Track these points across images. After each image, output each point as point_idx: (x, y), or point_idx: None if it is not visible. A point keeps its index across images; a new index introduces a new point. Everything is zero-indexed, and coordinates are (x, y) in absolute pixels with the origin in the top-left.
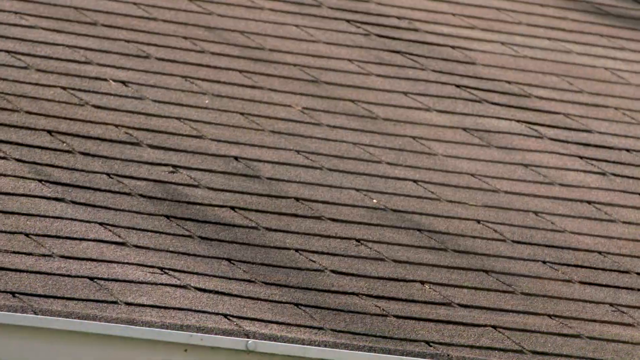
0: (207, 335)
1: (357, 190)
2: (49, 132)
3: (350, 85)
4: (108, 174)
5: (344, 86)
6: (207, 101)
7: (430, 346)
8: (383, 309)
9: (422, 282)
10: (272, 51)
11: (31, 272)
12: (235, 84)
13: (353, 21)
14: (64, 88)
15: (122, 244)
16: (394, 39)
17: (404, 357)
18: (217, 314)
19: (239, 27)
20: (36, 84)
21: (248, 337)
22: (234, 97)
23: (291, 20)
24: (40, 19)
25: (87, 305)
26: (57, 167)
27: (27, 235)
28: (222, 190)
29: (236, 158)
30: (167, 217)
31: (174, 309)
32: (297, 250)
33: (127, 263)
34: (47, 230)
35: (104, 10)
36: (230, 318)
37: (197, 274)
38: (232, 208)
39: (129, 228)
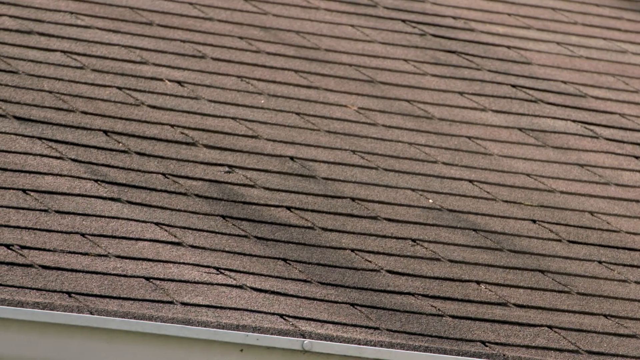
0: (263, 335)
1: (413, 190)
2: (105, 132)
3: (406, 85)
4: (164, 174)
5: (399, 86)
6: (262, 101)
7: (486, 346)
8: (439, 309)
9: (478, 282)
10: (327, 51)
11: (87, 272)
12: (290, 83)
13: (409, 21)
14: (119, 88)
15: (178, 244)
16: (449, 38)
17: (460, 357)
18: (273, 314)
19: (294, 27)
20: (92, 84)
21: (304, 337)
22: (289, 97)
23: (347, 20)
24: (95, 19)
25: (143, 305)
26: (113, 167)
27: (83, 235)
28: (278, 190)
29: (292, 158)
30: (223, 217)
31: (230, 309)
32: (353, 250)
33: (183, 263)
34: (103, 230)
35: (159, 10)
36: (286, 318)
37: (253, 274)
38: (288, 208)
39: (184, 228)
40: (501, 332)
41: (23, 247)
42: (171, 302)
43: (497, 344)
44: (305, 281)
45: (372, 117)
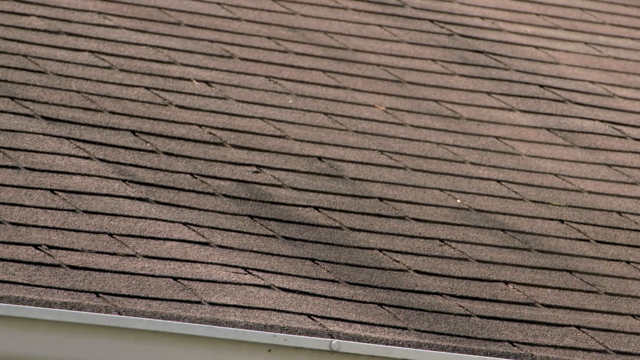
0: (291, 335)
1: (441, 190)
2: (133, 132)
3: (434, 85)
4: (192, 174)
5: (427, 86)
6: (290, 101)
7: (514, 346)
8: (467, 309)
9: (506, 282)
10: (355, 51)
11: (115, 272)
12: (318, 83)
13: (437, 21)
14: (147, 88)
15: (206, 243)
16: (477, 38)
17: (488, 357)
18: (301, 314)
19: (322, 27)
20: (120, 84)
21: (332, 337)
22: (317, 97)
23: (374, 20)
24: (123, 19)
25: (171, 305)
26: (140, 167)
27: (111, 235)
28: (306, 190)
29: (320, 158)
30: (251, 217)
31: (258, 309)
32: (380, 250)
33: (211, 263)
34: (131, 230)
35: (187, 10)
36: (314, 318)
37: (280, 273)
38: (316, 208)
39: (212, 228)
40: (529, 332)
41: (51, 247)
42: (199, 302)
43: (524, 344)
44: (333, 281)
45: (400, 117)
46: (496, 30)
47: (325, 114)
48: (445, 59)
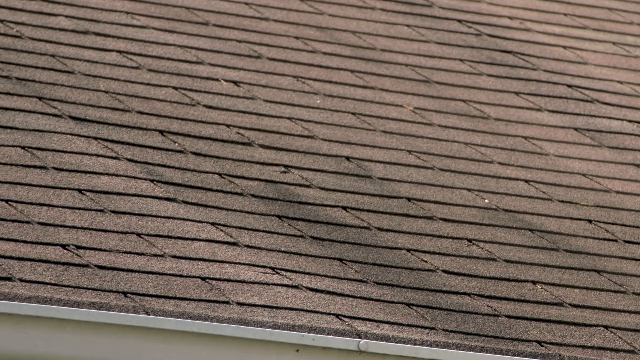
0: (318, 335)
1: (469, 190)
2: (161, 132)
3: (462, 85)
4: (220, 174)
5: (455, 86)
6: (318, 101)
7: (542, 346)
8: (495, 309)
9: (534, 282)
10: (383, 51)
11: (143, 272)
12: (346, 84)
13: (464, 21)
14: (175, 88)
15: (234, 244)
16: (505, 38)
17: (516, 357)
18: (329, 314)
19: (350, 27)
20: (148, 84)
21: (360, 337)
22: (345, 97)
23: (402, 20)
24: (151, 19)
25: (199, 305)
26: (168, 167)
27: (139, 235)
28: (334, 190)
29: (348, 158)
30: (279, 217)
31: (286, 309)
32: (408, 250)
33: (239, 263)
34: (158, 231)
35: (215, 10)
36: (342, 318)
37: (308, 274)
38: (344, 208)
39: (240, 228)
40: (557, 332)
41: (79, 247)
42: (227, 302)
43: (553, 344)
44: (361, 281)
45: (428, 117)
46: (524, 30)
47: (353, 114)
48: (473, 59)
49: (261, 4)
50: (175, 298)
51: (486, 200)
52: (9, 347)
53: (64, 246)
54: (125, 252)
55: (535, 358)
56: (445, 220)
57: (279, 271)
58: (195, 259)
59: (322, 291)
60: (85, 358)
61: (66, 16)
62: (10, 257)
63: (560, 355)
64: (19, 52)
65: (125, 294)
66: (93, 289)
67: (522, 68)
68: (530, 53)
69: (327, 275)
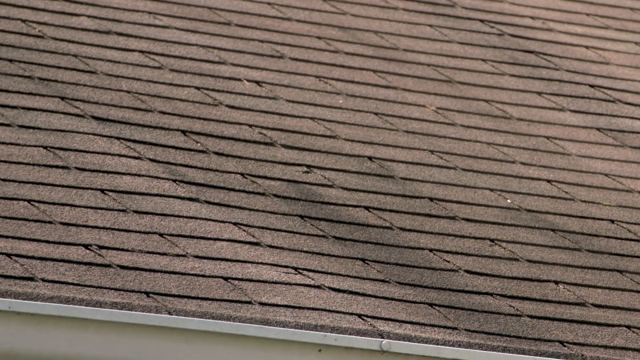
0: (341, 335)
1: (491, 190)
2: (183, 132)
3: (484, 85)
4: (242, 174)
5: (477, 86)
6: (341, 101)
7: (565, 346)
8: (517, 309)
9: (556, 282)
10: (405, 51)
11: (165, 272)
12: (369, 83)
13: (487, 21)
14: (197, 88)
15: (256, 243)
16: (527, 38)
17: (538, 357)
18: (352, 314)
19: (372, 27)
20: (170, 84)
21: (382, 337)
22: (367, 97)
23: (425, 20)
24: (174, 19)
25: (221, 305)
26: (191, 167)
27: (161, 235)
28: (356, 190)
29: (370, 158)
30: (301, 217)
31: (308, 309)
32: (431, 250)
33: (261, 263)
34: (181, 230)
35: (237, 10)
36: (365, 318)
37: (331, 273)
38: (366, 208)
39: (263, 228)
40: (579, 332)
41: (101, 247)
42: (249, 302)
43: (575, 344)
44: (383, 281)
45: (450, 117)
46: (546, 30)
47: (376, 114)
48: (496, 59)
49: (283, 4)
50: (197, 298)
51: (508, 200)
52: (32, 347)
53: (86, 246)
54: (148, 252)
55: (557, 358)
56: (468, 220)
57: (301, 271)
58: (217, 259)
59: (344, 291)
60: (108, 358)
61: (88, 16)
62: (33, 257)
63: (582, 355)
64: (41, 52)
65: (147, 294)
66: (115, 289)
67: (545, 68)
68: (552, 53)
69: (349, 275)
